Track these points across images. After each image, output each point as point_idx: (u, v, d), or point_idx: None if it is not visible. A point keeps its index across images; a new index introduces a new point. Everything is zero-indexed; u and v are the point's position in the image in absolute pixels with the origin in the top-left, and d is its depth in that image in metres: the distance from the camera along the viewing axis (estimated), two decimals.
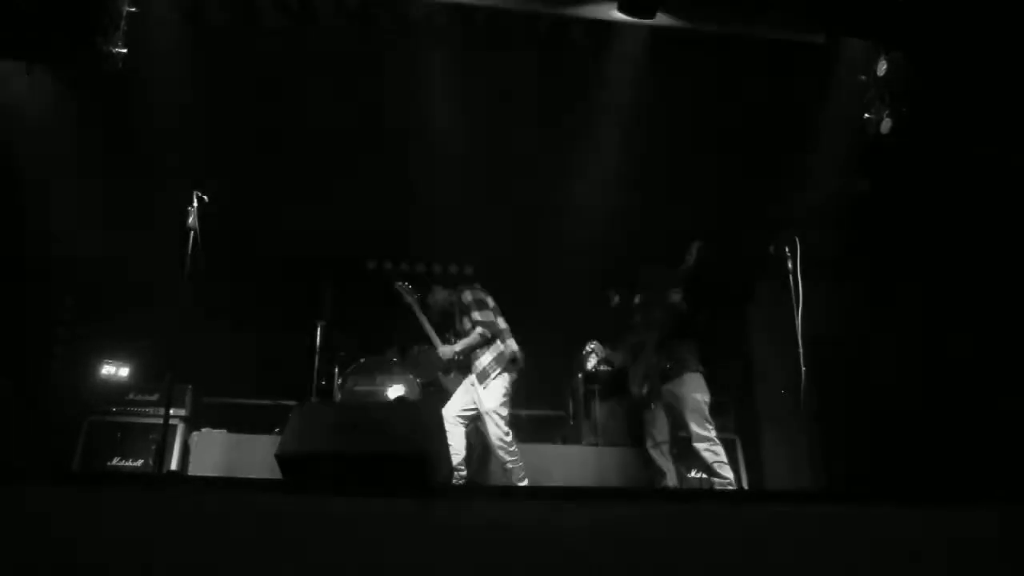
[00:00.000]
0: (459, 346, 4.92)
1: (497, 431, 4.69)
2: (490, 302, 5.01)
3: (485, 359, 4.84)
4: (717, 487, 4.26)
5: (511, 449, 4.70)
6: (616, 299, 5.02)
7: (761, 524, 2.33)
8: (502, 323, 4.97)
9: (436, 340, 5.10)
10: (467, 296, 4.99)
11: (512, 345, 4.90)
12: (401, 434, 3.45)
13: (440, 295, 5.20)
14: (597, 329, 5.35)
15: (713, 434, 4.32)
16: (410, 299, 5.20)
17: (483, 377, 4.80)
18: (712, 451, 4.29)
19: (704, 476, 4.67)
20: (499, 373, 4.80)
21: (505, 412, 4.77)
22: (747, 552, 2.25)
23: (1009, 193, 4.58)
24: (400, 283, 5.28)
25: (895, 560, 2.29)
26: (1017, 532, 2.36)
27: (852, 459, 5.07)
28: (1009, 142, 4.59)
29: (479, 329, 4.85)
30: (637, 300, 4.87)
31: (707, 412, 4.36)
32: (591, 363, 5.31)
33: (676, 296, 4.43)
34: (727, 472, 4.28)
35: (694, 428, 4.30)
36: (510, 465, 4.67)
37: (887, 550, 2.30)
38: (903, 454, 4.85)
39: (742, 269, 5.95)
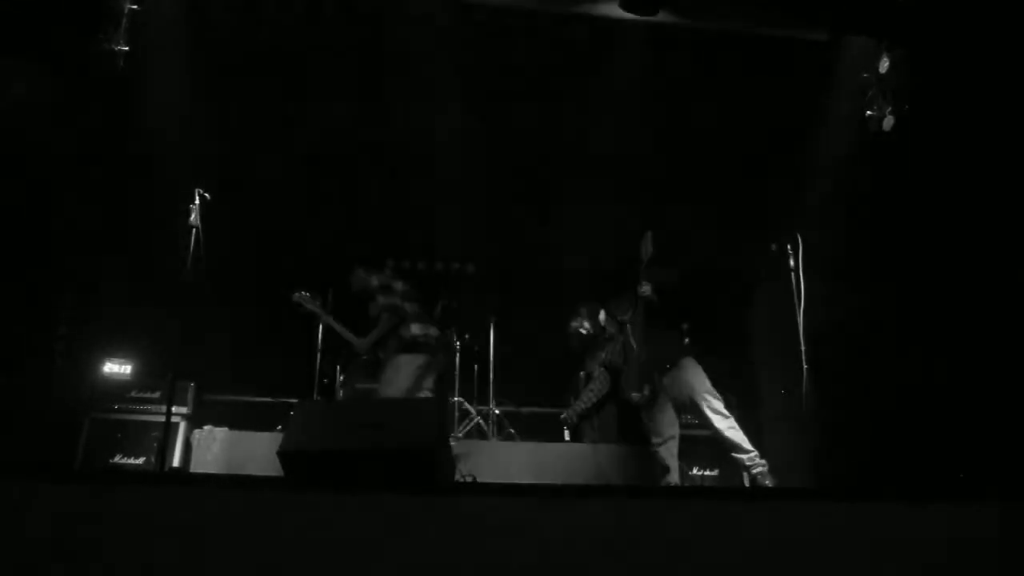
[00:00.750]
0: (371, 336, 4.82)
1: None
2: (399, 286, 4.89)
3: (391, 344, 4.77)
4: (747, 462, 4.25)
5: None
6: (585, 325, 5.03)
7: (762, 522, 2.33)
8: (410, 307, 4.84)
9: (350, 337, 4.93)
10: (374, 281, 4.89)
11: (414, 329, 4.76)
12: (404, 431, 3.45)
13: (358, 276, 5.02)
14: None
15: (727, 411, 4.34)
16: (311, 307, 5.00)
17: (379, 363, 4.79)
18: (734, 428, 4.30)
19: (707, 472, 4.67)
20: (403, 358, 4.72)
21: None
22: (748, 550, 2.26)
23: (1011, 191, 4.58)
24: (297, 294, 5.04)
25: (895, 558, 2.29)
26: (1017, 530, 2.36)
27: (853, 458, 5.07)
28: (1010, 140, 4.59)
29: (385, 314, 4.78)
30: (602, 316, 4.89)
31: (715, 391, 4.38)
32: (568, 435, 5.37)
33: (645, 288, 4.46)
34: (750, 445, 4.29)
35: (711, 411, 4.32)
36: None
37: (887, 548, 2.30)
38: (903, 452, 4.85)
39: (741, 266, 5.97)
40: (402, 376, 4.70)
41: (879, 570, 2.28)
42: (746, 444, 4.26)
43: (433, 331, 4.87)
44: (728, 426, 4.28)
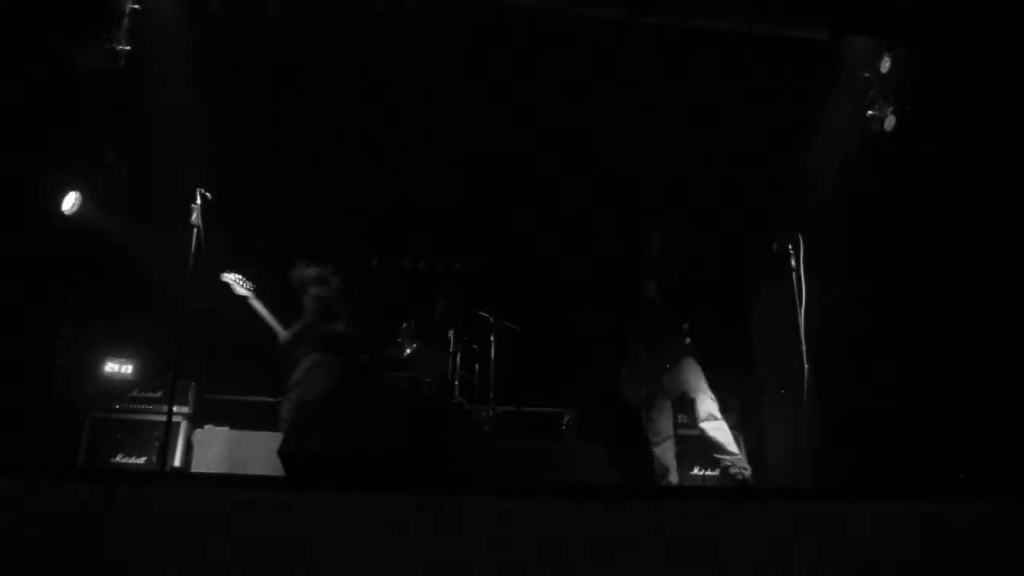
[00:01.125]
0: (295, 327, 4.75)
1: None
2: (335, 281, 4.84)
3: (313, 339, 4.72)
4: (727, 462, 4.26)
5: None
6: (593, 317, 5.03)
7: (763, 521, 2.33)
8: (340, 305, 4.81)
9: (276, 327, 4.86)
10: (310, 272, 4.83)
11: (340, 327, 4.73)
12: (404, 431, 3.46)
13: (298, 267, 4.96)
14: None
15: (719, 414, 4.35)
16: (242, 289, 4.86)
17: (299, 354, 4.72)
18: (721, 429, 4.31)
19: (707, 472, 4.68)
20: (322, 356, 4.68)
21: (319, 391, 4.61)
22: (748, 550, 2.26)
23: (1012, 190, 4.57)
24: (228, 275, 4.90)
25: (895, 558, 2.29)
26: (1018, 530, 2.36)
27: (854, 456, 5.08)
28: (1012, 139, 4.59)
29: (313, 305, 4.72)
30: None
31: (711, 392, 4.39)
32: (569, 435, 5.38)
33: (651, 288, 4.47)
34: (735, 449, 4.30)
35: (704, 410, 4.33)
36: None
37: (887, 548, 2.30)
38: (904, 451, 4.85)
39: (741, 265, 5.97)
40: (318, 376, 4.63)
41: (879, 570, 2.28)
42: (730, 447, 4.28)
43: (360, 336, 4.84)
44: (715, 427, 4.30)
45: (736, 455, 4.27)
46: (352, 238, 6.58)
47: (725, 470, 4.28)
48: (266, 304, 4.88)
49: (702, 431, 4.33)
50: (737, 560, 2.23)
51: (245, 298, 4.87)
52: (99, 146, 5.25)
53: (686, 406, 4.46)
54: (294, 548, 2.11)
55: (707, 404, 4.35)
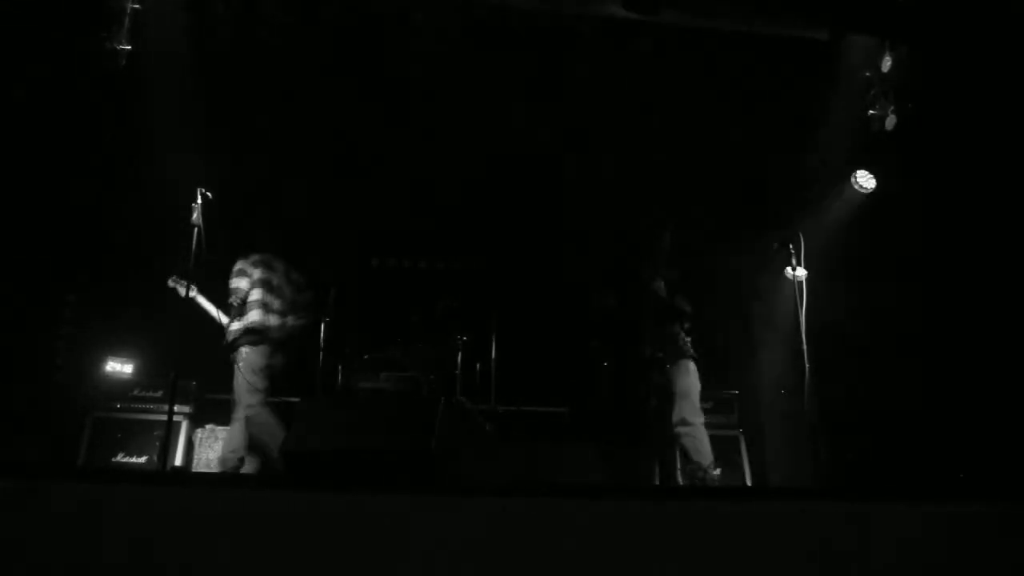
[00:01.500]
0: (227, 318, 4.74)
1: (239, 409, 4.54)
2: (256, 273, 4.77)
3: (232, 329, 4.70)
4: (689, 468, 4.27)
5: (247, 429, 4.53)
6: (610, 300, 5.02)
7: (763, 521, 2.33)
8: (256, 294, 4.72)
9: (222, 319, 4.78)
10: (236, 265, 4.80)
11: (253, 317, 4.67)
12: (406, 430, 3.46)
13: None
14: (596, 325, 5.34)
15: (699, 421, 4.34)
16: (184, 291, 4.67)
17: (230, 351, 4.69)
18: (692, 436, 4.30)
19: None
20: (240, 347, 4.64)
21: (254, 383, 4.59)
22: (747, 549, 2.26)
23: (1013, 190, 4.58)
24: (172, 279, 4.81)
25: (895, 558, 2.29)
26: (1018, 530, 2.36)
27: (854, 456, 5.08)
28: (1013, 139, 4.59)
29: (231, 297, 4.71)
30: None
31: (697, 400, 4.38)
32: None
33: (659, 286, 4.47)
34: (701, 459, 4.28)
35: (678, 413, 4.34)
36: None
37: (887, 548, 2.30)
38: (904, 452, 4.85)
39: (742, 265, 5.97)
40: (240, 370, 4.61)
41: (879, 570, 2.28)
42: (696, 455, 4.28)
43: (290, 321, 4.78)
44: (687, 432, 4.30)
45: (699, 464, 4.26)
46: (352, 238, 6.58)
47: (691, 475, 4.28)
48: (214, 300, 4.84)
49: (675, 435, 4.33)
50: (737, 560, 2.23)
51: (192, 300, 4.73)
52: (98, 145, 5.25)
53: (670, 405, 4.47)
54: (294, 547, 2.11)
55: (684, 408, 4.33)
